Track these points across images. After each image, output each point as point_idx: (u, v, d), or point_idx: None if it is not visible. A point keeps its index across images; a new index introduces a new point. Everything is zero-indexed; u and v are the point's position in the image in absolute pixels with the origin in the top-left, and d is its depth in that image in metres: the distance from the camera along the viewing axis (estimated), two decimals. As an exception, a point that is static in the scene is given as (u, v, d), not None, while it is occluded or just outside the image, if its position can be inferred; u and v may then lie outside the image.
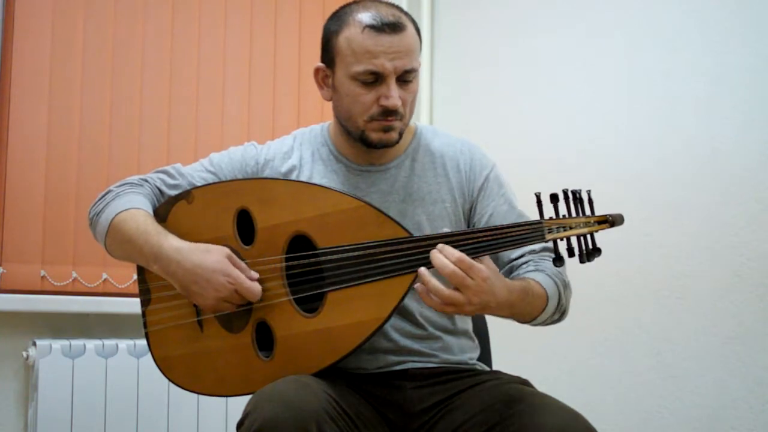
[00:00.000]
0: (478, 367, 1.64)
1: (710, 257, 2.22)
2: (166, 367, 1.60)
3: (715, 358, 2.19)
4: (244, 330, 1.51)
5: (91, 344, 2.36)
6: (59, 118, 2.46)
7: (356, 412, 1.43)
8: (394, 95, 1.51)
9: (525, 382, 1.57)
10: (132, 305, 2.46)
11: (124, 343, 2.40)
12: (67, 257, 2.44)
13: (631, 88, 2.47)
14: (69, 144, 2.47)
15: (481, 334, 1.78)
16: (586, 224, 1.37)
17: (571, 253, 1.38)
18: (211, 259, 1.46)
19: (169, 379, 1.60)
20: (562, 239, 1.38)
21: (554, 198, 1.38)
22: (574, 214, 1.37)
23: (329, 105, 1.65)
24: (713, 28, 2.27)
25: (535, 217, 1.40)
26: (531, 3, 2.83)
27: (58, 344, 2.31)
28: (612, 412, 2.40)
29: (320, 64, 1.61)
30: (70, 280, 2.44)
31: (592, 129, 2.58)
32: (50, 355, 2.28)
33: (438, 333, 1.59)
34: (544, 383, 1.63)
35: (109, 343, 2.38)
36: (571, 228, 1.37)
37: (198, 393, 1.59)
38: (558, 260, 1.39)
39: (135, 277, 2.51)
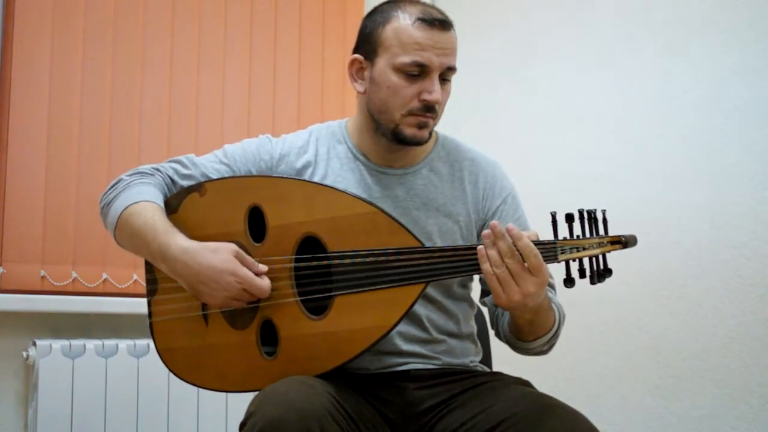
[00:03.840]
0: (479, 369, 1.64)
1: (710, 257, 2.22)
2: (168, 358, 1.59)
3: (715, 358, 2.19)
4: (249, 327, 1.51)
5: (91, 344, 2.35)
6: (59, 118, 2.46)
7: (358, 412, 1.43)
8: (437, 90, 1.51)
9: (526, 383, 1.57)
10: (132, 305, 2.46)
11: (124, 343, 2.40)
12: (67, 257, 2.44)
13: (631, 88, 2.48)
14: (69, 144, 2.47)
15: (482, 335, 1.78)
16: (599, 245, 1.35)
17: (582, 274, 1.37)
18: (218, 258, 1.45)
19: (171, 370, 1.59)
20: (574, 260, 1.37)
21: (569, 218, 1.36)
22: (588, 234, 1.36)
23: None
24: (713, 28, 2.27)
25: (546, 236, 1.39)
26: (530, 4, 2.83)
27: (58, 344, 2.31)
28: (612, 412, 2.40)
29: (357, 56, 1.59)
30: (70, 280, 2.44)
31: (591, 129, 2.58)
32: (50, 355, 2.28)
33: (442, 337, 1.59)
34: (544, 383, 1.64)
35: (109, 343, 2.38)
36: (584, 249, 1.35)
37: (198, 386, 1.58)
38: (569, 281, 1.38)
39: (135, 277, 2.52)
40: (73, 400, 2.29)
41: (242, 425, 1.33)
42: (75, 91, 2.49)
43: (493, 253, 1.35)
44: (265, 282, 1.46)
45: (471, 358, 1.64)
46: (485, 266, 1.36)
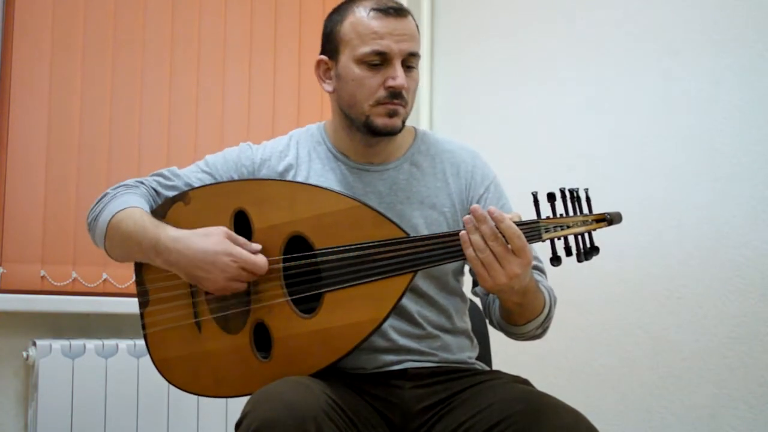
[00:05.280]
0: (478, 367, 1.64)
1: (710, 257, 2.22)
2: (164, 368, 1.60)
3: (715, 358, 2.19)
4: (242, 331, 1.51)
5: (91, 344, 2.36)
6: (59, 118, 2.46)
7: (355, 412, 1.43)
8: (400, 75, 1.53)
9: (525, 382, 1.57)
10: (132, 305, 2.44)
11: (124, 343, 2.40)
12: (67, 257, 2.44)
13: (631, 88, 2.48)
14: (69, 144, 2.47)
15: (481, 334, 1.78)
16: (584, 223, 1.36)
17: (568, 252, 1.37)
18: (211, 241, 1.46)
19: (168, 381, 1.60)
20: (559, 239, 1.38)
21: (551, 197, 1.37)
22: (571, 212, 1.37)
23: (329, 105, 1.66)
24: (713, 28, 2.27)
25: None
26: (530, 4, 2.83)
27: (58, 344, 2.31)
28: (612, 412, 2.40)
29: (322, 56, 1.62)
30: (70, 280, 2.44)
31: (591, 129, 2.58)
32: (50, 355, 2.28)
33: (436, 332, 1.59)
34: (544, 383, 1.63)
35: (109, 343, 2.38)
36: (568, 227, 1.36)
37: (197, 394, 1.59)
38: (555, 260, 1.38)
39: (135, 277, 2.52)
40: (73, 400, 2.29)
41: (237, 425, 1.33)
42: (75, 91, 2.49)
43: (476, 237, 1.36)
44: (261, 258, 1.47)
45: (468, 354, 1.64)
46: (469, 251, 1.37)
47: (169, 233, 1.50)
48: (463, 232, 1.38)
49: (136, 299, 2.48)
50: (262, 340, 1.51)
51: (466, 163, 1.67)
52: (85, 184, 2.47)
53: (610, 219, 1.37)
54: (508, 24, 2.91)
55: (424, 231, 1.59)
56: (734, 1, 2.23)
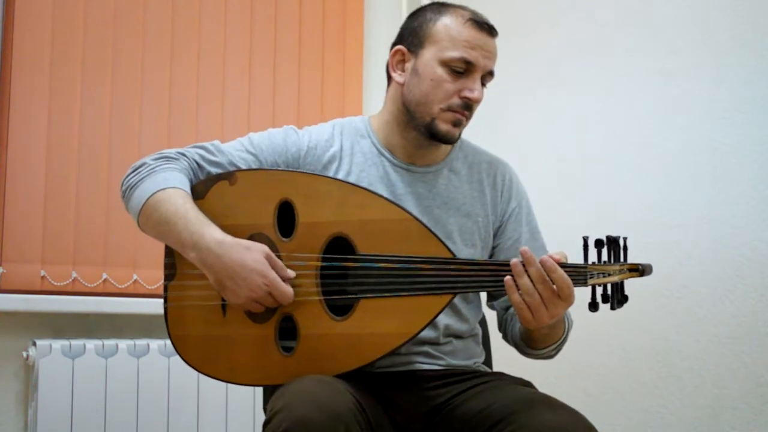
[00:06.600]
0: (481, 369, 1.64)
1: (710, 257, 2.23)
2: (181, 345, 1.56)
3: (715, 358, 2.19)
4: (269, 322, 1.49)
5: (91, 344, 2.35)
6: (59, 118, 2.46)
7: (372, 413, 1.42)
8: (478, 89, 1.55)
9: (528, 384, 1.57)
10: (132, 305, 2.46)
11: (124, 343, 2.39)
12: (67, 257, 2.44)
13: (631, 88, 2.48)
14: (69, 144, 2.46)
15: (482, 336, 1.78)
16: (620, 271, 1.39)
17: (605, 299, 1.40)
18: (251, 257, 1.43)
19: (183, 358, 1.56)
20: (599, 285, 1.40)
21: (599, 243, 1.39)
22: (612, 260, 1.39)
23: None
24: (713, 28, 2.27)
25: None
26: (530, 5, 2.83)
27: (58, 344, 2.30)
28: (612, 411, 2.40)
29: (401, 47, 1.61)
30: (70, 280, 2.44)
31: (591, 129, 2.58)
32: (50, 355, 2.28)
33: (449, 338, 1.60)
34: (544, 383, 1.64)
35: (109, 343, 2.38)
36: (609, 275, 1.39)
37: (209, 376, 1.55)
38: (593, 306, 1.40)
39: (135, 277, 2.52)
40: (73, 400, 2.29)
41: (266, 423, 1.31)
42: (75, 91, 2.49)
43: (524, 281, 1.36)
44: (289, 289, 1.45)
45: (475, 359, 1.65)
46: (515, 296, 1.37)
47: (215, 235, 1.46)
48: (507, 277, 1.38)
49: (136, 299, 2.49)
50: (286, 332, 1.49)
51: (503, 175, 1.69)
52: (85, 184, 2.47)
53: (642, 270, 1.40)
54: (508, 25, 2.90)
55: (458, 238, 1.60)
56: (734, 1, 2.23)
